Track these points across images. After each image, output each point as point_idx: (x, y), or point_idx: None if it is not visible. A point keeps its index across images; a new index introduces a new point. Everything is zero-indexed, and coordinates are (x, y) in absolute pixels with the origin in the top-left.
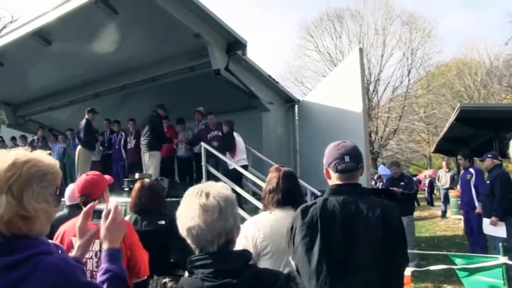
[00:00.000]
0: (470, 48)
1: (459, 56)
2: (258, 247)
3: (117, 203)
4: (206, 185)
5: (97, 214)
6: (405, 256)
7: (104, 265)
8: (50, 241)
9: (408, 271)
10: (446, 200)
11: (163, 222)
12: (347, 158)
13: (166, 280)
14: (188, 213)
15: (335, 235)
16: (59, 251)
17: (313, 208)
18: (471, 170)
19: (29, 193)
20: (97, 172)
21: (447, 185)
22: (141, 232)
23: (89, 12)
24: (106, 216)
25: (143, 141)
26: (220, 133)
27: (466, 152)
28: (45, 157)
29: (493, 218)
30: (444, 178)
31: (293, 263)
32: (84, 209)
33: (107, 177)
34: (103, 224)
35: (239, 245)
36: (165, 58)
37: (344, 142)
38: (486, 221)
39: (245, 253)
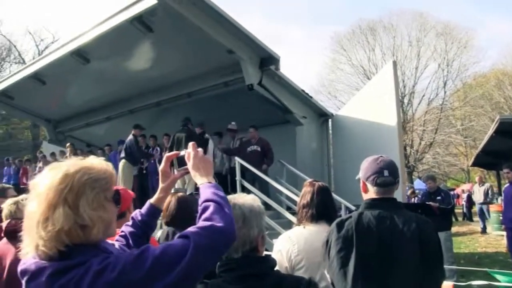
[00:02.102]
0: (510, 57)
1: (498, 66)
2: (292, 261)
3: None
4: (234, 196)
5: (179, 162)
6: (441, 271)
7: (202, 197)
8: (109, 241)
9: (449, 285)
10: (482, 216)
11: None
12: (386, 173)
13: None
14: None
15: (370, 249)
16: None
17: (349, 222)
18: None
19: (83, 202)
20: (123, 187)
21: (481, 200)
22: None
23: (125, 31)
24: (189, 158)
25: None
26: (259, 148)
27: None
28: (96, 163)
29: None
30: (478, 192)
31: (328, 276)
32: (167, 154)
33: (130, 192)
34: (189, 165)
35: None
36: (199, 74)
37: (382, 156)
38: None
39: (269, 259)
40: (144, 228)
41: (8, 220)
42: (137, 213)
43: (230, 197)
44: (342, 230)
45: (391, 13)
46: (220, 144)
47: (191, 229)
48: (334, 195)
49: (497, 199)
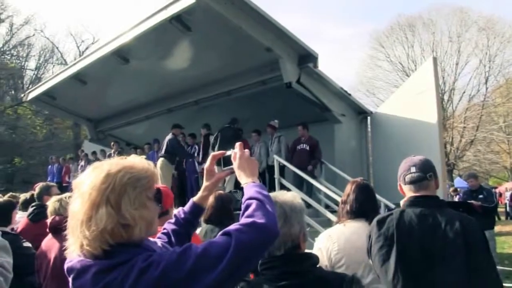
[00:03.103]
0: None
1: None
2: (332, 259)
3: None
4: (275, 194)
5: (225, 162)
6: (491, 270)
7: (245, 195)
8: (151, 239)
9: None
10: None
11: None
12: (413, 169)
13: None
14: None
15: (412, 247)
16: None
17: (390, 219)
18: None
19: (125, 201)
20: (165, 186)
21: None
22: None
23: (164, 30)
24: (235, 158)
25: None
26: (308, 147)
27: None
28: (138, 162)
29: None
30: None
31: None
32: (213, 153)
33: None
34: (235, 165)
35: None
36: (238, 72)
37: (413, 156)
38: None
39: (311, 256)
40: (186, 226)
41: (53, 217)
42: (180, 211)
43: (273, 194)
44: (383, 227)
45: (430, 9)
46: (259, 142)
47: (233, 226)
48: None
49: None
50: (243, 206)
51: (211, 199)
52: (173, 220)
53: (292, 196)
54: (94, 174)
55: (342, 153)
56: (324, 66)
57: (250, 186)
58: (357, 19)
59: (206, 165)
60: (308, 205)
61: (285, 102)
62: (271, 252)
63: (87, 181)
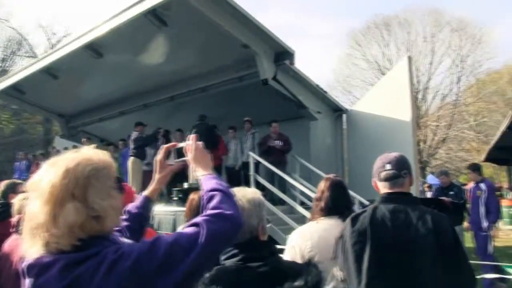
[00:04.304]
0: None
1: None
2: (305, 257)
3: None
4: (236, 189)
5: (178, 154)
6: (463, 265)
7: (206, 187)
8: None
9: None
10: None
11: None
12: (388, 166)
13: None
14: None
15: (385, 243)
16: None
17: (363, 216)
18: (482, 185)
19: (92, 193)
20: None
21: None
22: None
23: (138, 25)
24: (189, 150)
25: None
26: (281, 143)
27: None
28: (93, 153)
29: None
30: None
31: (338, 273)
32: (165, 145)
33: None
34: (190, 156)
35: (286, 255)
36: (214, 68)
37: (388, 153)
38: None
39: (269, 244)
40: (139, 221)
41: (18, 216)
42: (131, 206)
43: (233, 190)
44: (357, 224)
45: (406, 9)
46: (235, 139)
47: (201, 217)
48: (349, 191)
49: (507, 194)
50: (204, 197)
51: (196, 199)
52: (126, 216)
53: (252, 191)
54: (52, 172)
55: (318, 150)
56: (301, 64)
57: (208, 178)
58: (335, 18)
59: (158, 157)
60: (283, 202)
61: (261, 99)
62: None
63: (45, 179)
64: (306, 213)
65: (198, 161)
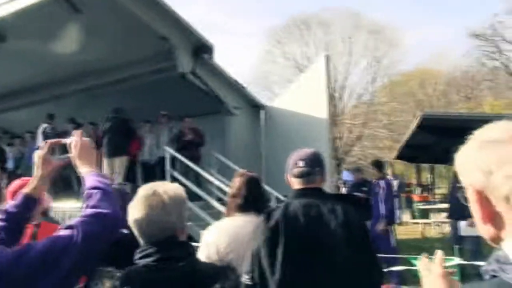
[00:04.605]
0: (432, 58)
1: (422, 66)
2: (221, 253)
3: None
4: (158, 184)
5: (62, 150)
6: (373, 258)
7: (87, 185)
8: None
9: None
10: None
11: (125, 231)
12: (301, 163)
13: (111, 268)
14: (135, 207)
15: (298, 238)
16: None
17: (276, 212)
18: (382, 182)
19: None
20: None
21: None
22: None
23: (49, 9)
24: (74, 146)
25: (109, 145)
26: (194, 138)
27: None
28: None
29: (471, 220)
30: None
31: (243, 278)
32: (49, 140)
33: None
34: (74, 153)
35: (202, 252)
36: (131, 60)
37: (303, 149)
38: (463, 223)
39: (186, 243)
40: (17, 221)
41: None
42: (10, 205)
43: (152, 184)
44: (270, 220)
45: (326, 9)
46: (151, 133)
47: (77, 218)
48: (265, 186)
49: (416, 190)
50: (85, 196)
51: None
52: (2, 216)
53: (174, 187)
54: None
55: (235, 146)
56: (221, 59)
57: (90, 175)
58: (256, 14)
59: (41, 152)
60: (199, 198)
61: (179, 93)
62: (148, 240)
63: None
64: (223, 209)
65: (82, 158)
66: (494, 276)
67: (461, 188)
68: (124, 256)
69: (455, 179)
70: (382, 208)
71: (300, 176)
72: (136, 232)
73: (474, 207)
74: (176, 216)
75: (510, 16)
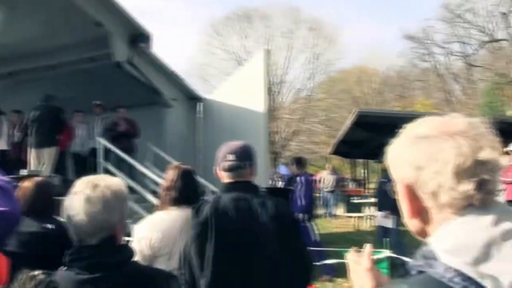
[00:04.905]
0: (369, 57)
1: (359, 64)
2: (154, 248)
3: None
4: (98, 177)
5: None
6: (304, 251)
7: None
8: None
9: None
10: (329, 202)
11: (51, 226)
12: (231, 157)
13: (36, 272)
14: (72, 202)
15: (228, 232)
16: None
17: (206, 206)
18: (301, 179)
19: None
20: None
21: (331, 188)
22: (24, 236)
23: None
24: None
25: (38, 135)
26: (128, 129)
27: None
28: None
29: (385, 212)
30: (327, 180)
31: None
32: None
33: None
34: None
35: (135, 246)
36: (63, 45)
37: (233, 142)
38: (380, 214)
39: (127, 248)
40: None
41: None
42: None
43: (92, 177)
44: (200, 214)
45: (267, 3)
46: (83, 123)
47: None
48: (202, 179)
49: (350, 184)
50: None
51: (30, 187)
52: None
53: (116, 182)
54: None
55: (172, 138)
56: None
57: None
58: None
59: None
60: (133, 191)
61: (114, 82)
62: (83, 240)
63: None
64: (157, 202)
65: None
66: (421, 272)
67: (390, 182)
68: (51, 256)
69: (383, 174)
70: (301, 204)
71: (229, 169)
72: (70, 229)
73: (403, 202)
74: (118, 214)
75: (440, 21)
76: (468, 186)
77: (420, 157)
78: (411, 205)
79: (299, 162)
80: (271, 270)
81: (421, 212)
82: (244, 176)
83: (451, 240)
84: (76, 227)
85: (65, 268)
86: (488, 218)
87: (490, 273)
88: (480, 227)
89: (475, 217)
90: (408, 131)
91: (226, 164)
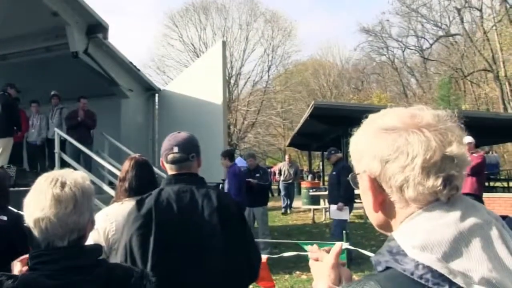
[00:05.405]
0: (325, 50)
1: (316, 57)
2: (110, 240)
3: None
4: (62, 173)
5: None
6: (250, 243)
7: None
8: None
9: (263, 258)
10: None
11: (4, 218)
12: (176, 149)
13: (3, 278)
14: (38, 202)
15: (170, 224)
16: None
17: (149, 199)
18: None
19: None
20: None
21: (290, 179)
22: None
23: None
24: None
25: None
26: (85, 120)
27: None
28: None
29: (340, 204)
30: (286, 172)
31: (120, 257)
32: None
33: None
34: None
35: (90, 239)
36: (18, 35)
37: (178, 133)
38: (333, 207)
39: (97, 248)
40: None
41: None
42: None
43: (56, 173)
44: (142, 207)
45: None
46: (38, 114)
47: None
48: (157, 171)
49: (307, 176)
50: None
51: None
52: None
53: (82, 177)
54: None
55: (128, 129)
56: (114, 39)
57: None
58: None
59: None
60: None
61: (70, 73)
62: (53, 242)
63: None
64: (114, 194)
65: None
66: (388, 268)
67: (341, 174)
68: (5, 250)
69: (334, 167)
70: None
71: (173, 162)
72: (36, 232)
73: (366, 194)
74: (88, 214)
75: (396, 15)
76: (435, 182)
77: (386, 150)
78: (375, 198)
79: (227, 155)
80: (214, 263)
81: (385, 206)
82: (189, 168)
83: (420, 235)
84: (45, 229)
85: (29, 271)
86: (455, 214)
87: (460, 270)
88: (448, 222)
89: (442, 212)
90: (372, 122)
91: (171, 156)
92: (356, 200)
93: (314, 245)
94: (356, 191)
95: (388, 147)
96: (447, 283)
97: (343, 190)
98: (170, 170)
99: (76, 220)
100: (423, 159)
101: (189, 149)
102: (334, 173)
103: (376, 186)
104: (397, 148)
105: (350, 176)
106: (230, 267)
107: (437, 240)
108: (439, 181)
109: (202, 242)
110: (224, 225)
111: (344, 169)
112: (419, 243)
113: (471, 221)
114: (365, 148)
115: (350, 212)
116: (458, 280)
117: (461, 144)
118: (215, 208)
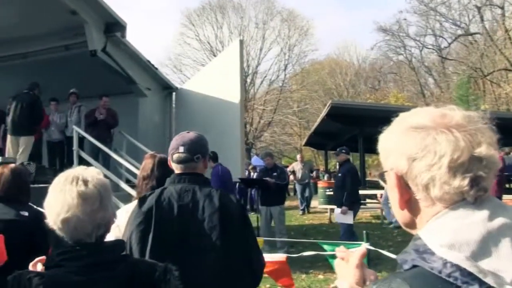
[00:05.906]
0: (342, 49)
1: (332, 56)
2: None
3: None
4: (79, 171)
5: None
6: (252, 245)
7: None
8: None
9: (282, 257)
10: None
11: (26, 214)
12: (181, 149)
13: (31, 275)
14: (64, 202)
15: (170, 223)
16: None
17: (151, 197)
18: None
19: None
20: None
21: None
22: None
23: None
24: None
25: (15, 123)
26: (106, 118)
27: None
28: None
29: (344, 208)
30: (300, 172)
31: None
32: None
33: None
34: None
35: (111, 235)
36: (38, 34)
37: (187, 132)
38: (337, 211)
39: (119, 243)
40: None
41: None
42: None
43: (73, 172)
44: (144, 205)
45: None
46: (57, 112)
47: None
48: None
49: (324, 176)
50: None
51: (6, 174)
52: None
53: (98, 173)
54: None
55: (146, 128)
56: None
57: None
58: None
59: None
60: (107, 179)
61: (89, 71)
62: (80, 239)
63: None
64: (132, 191)
65: None
66: (415, 266)
67: (346, 175)
68: (23, 244)
69: (340, 168)
70: None
71: (178, 162)
72: (63, 232)
73: (393, 191)
74: (111, 209)
75: (414, 14)
76: (462, 182)
77: (414, 148)
78: (401, 195)
79: (215, 157)
80: (213, 263)
81: (410, 204)
82: (193, 169)
83: (447, 234)
84: (74, 229)
85: (55, 267)
86: (483, 213)
87: (490, 270)
88: (476, 221)
89: (469, 212)
90: (402, 120)
91: (176, 156)
92: (373, 201)
93: (341, 246)
94: (365, 192)
95: (416, 145)
96: (477, 283)
97: (347, 194)
98: (176, 169)
99: (103, 216)
100: (450, 159)
101: (195, 150)
102: (339, 174)
103: (403, 184)
104: (424, 147)
105: (377, 173)
106: (228, 267)
107: (465, 239)
108: (466, 181)
109: (201, 241)
110: (224, 225)
111: (349, 171)
112: (446, 241)
113: (500, 221)
114: (394, 145)
115: (354, 215)
116: (489, 280)
117: (491, 146)
118: (216, 209)
